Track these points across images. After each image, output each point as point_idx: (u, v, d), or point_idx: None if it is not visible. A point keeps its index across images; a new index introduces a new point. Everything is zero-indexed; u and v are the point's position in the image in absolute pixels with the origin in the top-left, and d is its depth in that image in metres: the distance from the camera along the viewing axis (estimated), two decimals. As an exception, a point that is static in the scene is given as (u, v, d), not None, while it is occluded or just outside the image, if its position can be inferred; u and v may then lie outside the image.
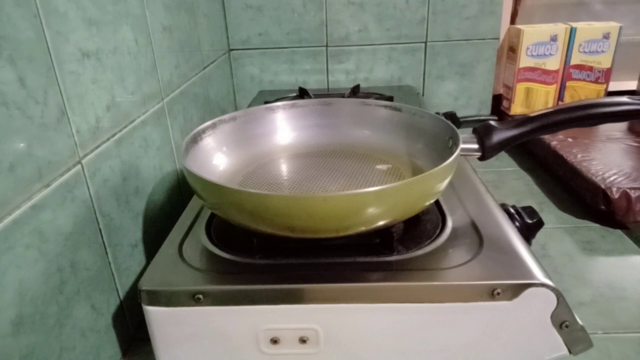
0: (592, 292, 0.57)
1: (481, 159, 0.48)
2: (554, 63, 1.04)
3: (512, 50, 1.06)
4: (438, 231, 0.46)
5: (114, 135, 0.50)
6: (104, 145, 0.48)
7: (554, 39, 1.02)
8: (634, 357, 0.48)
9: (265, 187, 0.53)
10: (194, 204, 0.54)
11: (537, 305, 0.39)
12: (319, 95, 0.96)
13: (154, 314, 0.41)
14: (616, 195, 0.69)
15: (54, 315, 0.39)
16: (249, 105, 0.98)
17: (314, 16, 1.05)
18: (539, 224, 0.50)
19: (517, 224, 0.49)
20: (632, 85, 1.14)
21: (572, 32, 1.02)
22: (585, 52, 1.04)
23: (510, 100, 1.09)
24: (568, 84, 1.07)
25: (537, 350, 0.41)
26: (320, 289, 0.40)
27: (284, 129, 0.62)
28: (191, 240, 0.47)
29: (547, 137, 0.91)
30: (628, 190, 0.69)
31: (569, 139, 0.89)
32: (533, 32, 1.02)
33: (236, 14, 1.05)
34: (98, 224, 0.46)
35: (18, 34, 0.36)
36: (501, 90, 1.14)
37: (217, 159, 0.56)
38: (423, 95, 1.12)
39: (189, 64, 0.77)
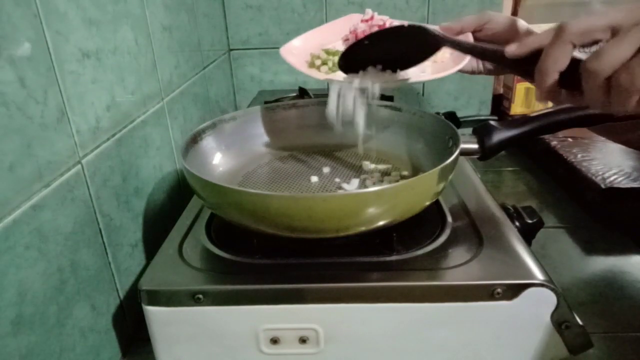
0: (592, 292, 0.57)
1: (481, 159, 0.48)
2: (554, 63, 1.04)
3: (512, 50, 1.06)
4: (438, 231, 0.46)
5: (114, 135, 0.50)
6: (104, 145, 0.48)
7: (554, 39, 1.02)
8: (634, 357, 0.48)
9: (265, 187, 0.53)
10: (194, 204, 0.54)
11: (537, 305, 0.39)
12: (319, 95, 0.96)
13: (154, 314, 0.41)
14: (615, 195, 0.69)
15: (54, 315, 0.39)
16: (249, 105, 0.98)
17: (314, 16, 1.05)
18: (539, 224, 0.50)
19: (517, 224, 0.49)
20: (632, 85, 1.14)
21: (572, 32, 1.02)
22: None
23: (510, 100, 1.09)
24: (568, 84, 1.06)
25: (537, 350, 0.41)
26: (320, 289, 0.40)
27: (284, 129, 0.62)
28: (191, 240, 0.47)
29: (547, 137, 0.91)
30: (628, 190, 0.69)
31: (569, 139, 0.89)
32: (533, 32, 1.02)
33: (236, 14, 1.05)
34: (98, 224, 0.46)
35: (18, 34, 0.36)
36: (501, 90, 1.14)
37: (217, 159, 0.56)
38: (423, 95, 1.12)
39: (189, 64, 0.77)
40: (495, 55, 0.39)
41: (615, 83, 0.31)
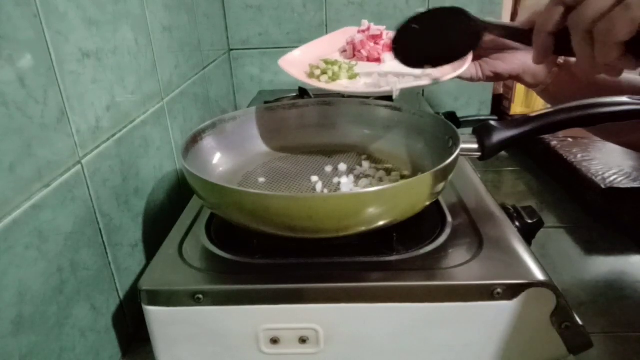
0: (592, 292, 0.57)
1: (481, 159, 0.48)
2: (554, 63, 1.04)
3: (512, 50, 1.06)
4: (438, 231, 0.46)
5: (114, 135, 0.50)
6: (104, 145, 0.48)
7: (554, 39, 1.02)
8: (634, 357, 0.48)
9: (265, 187, 0.53)
10: (194, 204, 0.54)
11: (537, 305, 0.39)
12: (319, 95, 0.96)
13: (154, 314, 0.41)
14: (615, 195, 0.69)
15: (54, 315, 0.39)
16: (249, 105, 0.98)
17: (314, 16, 1.05)
18: (539, 224, 0.50)
19: (517, 224, 0.48)
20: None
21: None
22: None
23: (510, 100, 1.09)
24: (568, 84, 1.06)
25: (537, 350, 0.41)
26: (320, 289, 0.40)
27: (284, 128, 0.62)
28: (191, 240, 0.47)
29: (547, 137, 0.91)
30: (628, 190, 0.69)
31: (569, 139, 0.89)
32: (533, 32, 1.01)
33: (236, 14, 1.05)
34: (98, 224, 0.46)
35: (18, 34, 0.36)
36: (501, 90, 1.14)
37: (217, 159, 0.56)
38: (423, 95, 1.12)
39: (189, 64, 0.77)
40: (519, 32, 0.43)
41: (596, 34, 0.34)
